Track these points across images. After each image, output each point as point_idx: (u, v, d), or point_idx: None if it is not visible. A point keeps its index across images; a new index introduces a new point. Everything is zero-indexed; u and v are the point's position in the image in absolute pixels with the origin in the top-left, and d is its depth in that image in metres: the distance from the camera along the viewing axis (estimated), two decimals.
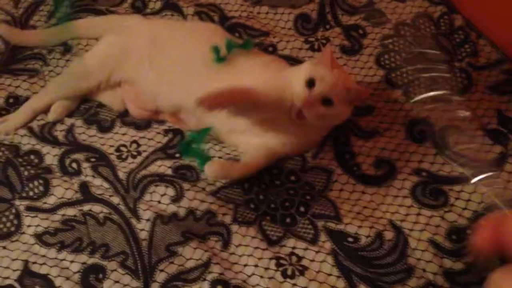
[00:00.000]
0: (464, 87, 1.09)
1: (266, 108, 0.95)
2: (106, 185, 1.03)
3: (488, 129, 1.02)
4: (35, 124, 1.13)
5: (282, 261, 0.90)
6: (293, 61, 1.18)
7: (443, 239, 0.90)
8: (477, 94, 1.08)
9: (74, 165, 1.06)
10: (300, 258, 0.90)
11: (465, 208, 0.93)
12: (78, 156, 1.07)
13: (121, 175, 1.04)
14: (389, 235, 0.91)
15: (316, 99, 0.91)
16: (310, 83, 0.91)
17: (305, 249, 0.91)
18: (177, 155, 1.06)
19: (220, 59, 1.03)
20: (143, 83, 1.10)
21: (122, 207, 0.98)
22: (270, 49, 1.21)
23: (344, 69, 1.06)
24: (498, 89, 1.09)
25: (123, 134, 1.11)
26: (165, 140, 1.09)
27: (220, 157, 1.04)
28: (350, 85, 0.96)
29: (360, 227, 0.93)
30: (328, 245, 0.91)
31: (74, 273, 0.92)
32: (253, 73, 1.03)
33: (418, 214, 0.94)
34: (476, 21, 1.21)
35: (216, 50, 1.03)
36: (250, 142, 1.02)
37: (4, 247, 0.96)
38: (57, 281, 0.90)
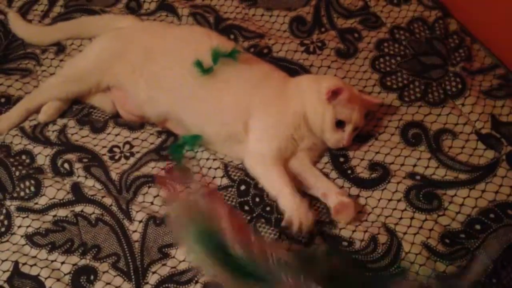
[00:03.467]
0: (458, 91, 1.10)
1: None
2: (98, 186, 1.02)
3: (482, 134, 1.03)
4: (26, 124, 1.12)
5: None
6: (288, 63, 1.18)
7: (436, 242, 0.90)
8: (471, 98, 1.08)
9: (66, 165, 1.05)
10: None
11: (458, 212, 0.93)
12: (71, 156, 1.06)
13: (114, 176, 1.03)
14: (383, 238, 0.91)
15: (351, 137, 1.01)
16: (340, 124, 1.00)
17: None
18: (171, 157, 1.05)
19: (205, 70, 1.02)
20: (132, 90, 1.09)
21: (114, 208, 0.97)
22: (265, 51, 1.20)
23: (355, 90, 1.07)
24: (492, 94, 1.09)
25: (116, 135, 1.10)
26: (158, 141, 1.08)
27: (214, 159, 1.03)
28: (367, 103, 1.05)
29: (354, 231, 0.92)
30: (322, 247, 0.91)
31: (65, 274, 0.91)
32: (245, 86, 1.04)
33: (412, 218, 0.93)
34: (470, 26, 1.22)
35: (198, 64, 1.02)
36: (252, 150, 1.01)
37: None
38: (48, 282, 0.89)
